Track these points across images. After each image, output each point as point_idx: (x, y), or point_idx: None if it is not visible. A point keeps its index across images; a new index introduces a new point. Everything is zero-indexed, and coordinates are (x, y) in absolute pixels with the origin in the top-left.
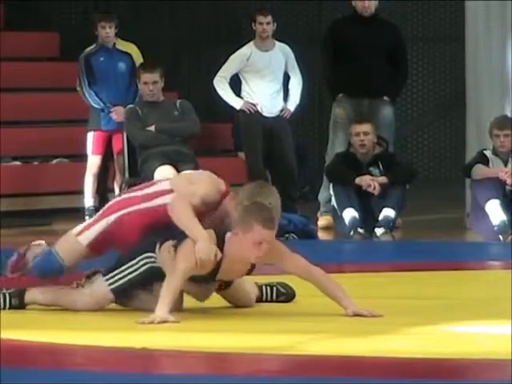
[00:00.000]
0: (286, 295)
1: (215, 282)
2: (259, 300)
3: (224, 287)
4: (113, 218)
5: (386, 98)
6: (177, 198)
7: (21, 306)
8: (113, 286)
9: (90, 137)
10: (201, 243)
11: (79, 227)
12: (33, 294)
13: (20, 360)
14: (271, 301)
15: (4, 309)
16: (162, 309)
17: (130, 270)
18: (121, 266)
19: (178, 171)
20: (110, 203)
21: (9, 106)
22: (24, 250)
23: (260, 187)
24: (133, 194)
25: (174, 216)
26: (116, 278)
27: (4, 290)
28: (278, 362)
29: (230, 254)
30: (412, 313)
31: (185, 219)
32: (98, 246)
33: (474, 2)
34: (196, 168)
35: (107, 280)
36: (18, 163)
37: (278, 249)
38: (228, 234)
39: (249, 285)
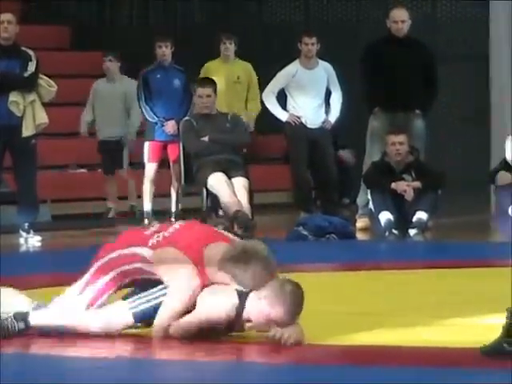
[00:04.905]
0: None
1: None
2: None
3: None
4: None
5: (417, 111)
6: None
7: (27, 328)
8: (134, 310)
9: (146, 146)
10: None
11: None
12: (37, 317)
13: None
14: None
15: (13, 332)
16: None
17: (151, 297)
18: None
19: (229, 178)
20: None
21: (75, 119)
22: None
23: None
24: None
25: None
26: (137, 303)
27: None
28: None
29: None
30: (442, 306)
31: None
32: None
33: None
34: (245, 174)
35: (129, 304)
36: (83, 171)
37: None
38: (252, 294)
39: None
